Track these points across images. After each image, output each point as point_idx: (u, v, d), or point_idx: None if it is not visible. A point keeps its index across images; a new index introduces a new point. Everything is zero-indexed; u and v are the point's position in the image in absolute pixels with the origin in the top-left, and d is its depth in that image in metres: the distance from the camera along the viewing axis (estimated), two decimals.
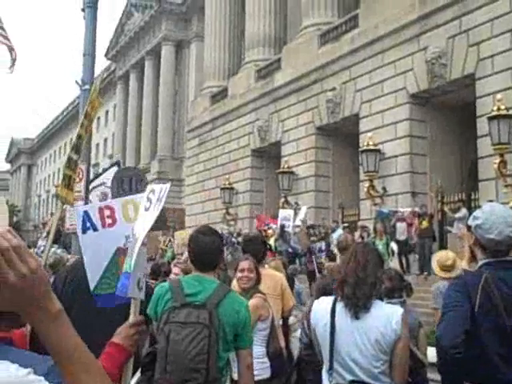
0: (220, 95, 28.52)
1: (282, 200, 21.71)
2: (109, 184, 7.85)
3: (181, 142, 40.23)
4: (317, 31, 21.80)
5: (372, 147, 17.67)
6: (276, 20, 26.22)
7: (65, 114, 70.51)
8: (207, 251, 3.28)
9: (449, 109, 17.26)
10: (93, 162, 48.81)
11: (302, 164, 21.64)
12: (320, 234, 17.50)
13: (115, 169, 8.95)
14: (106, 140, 56.10)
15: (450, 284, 3.01)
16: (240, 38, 29.48)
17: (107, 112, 55.98)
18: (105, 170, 11.62)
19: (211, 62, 30.24)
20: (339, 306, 2.96)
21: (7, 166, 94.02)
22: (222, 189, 25.67)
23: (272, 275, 5.16)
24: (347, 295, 2.92)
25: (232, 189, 25.46)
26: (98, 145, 55.46)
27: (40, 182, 79.64)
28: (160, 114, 42.76)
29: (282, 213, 17.42)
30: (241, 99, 25.97)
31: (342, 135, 20.96)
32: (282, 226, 17.11)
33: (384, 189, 17.64)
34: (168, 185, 2.72)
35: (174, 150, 41.71)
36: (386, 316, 2.89)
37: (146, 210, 2.65)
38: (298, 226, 16.31)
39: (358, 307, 2.89)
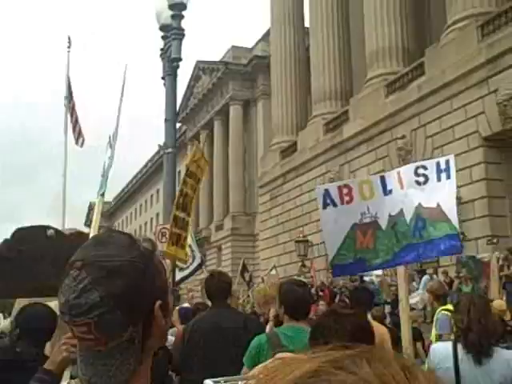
0: (289, 150, 29.08)
1: None
2: None
3: (252, 198, 40.94)
4: (383, 81, 22.11)
5: None
6: (341, 73, 26.79)
7: (139, 176, 73.30)
8: (301, 301, 3.48)
9: None
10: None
11: None
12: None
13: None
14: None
15: None
16: (306, 93, 30.19)
17: (179, 172, 57.77)
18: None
19: (279, 118, 31.01)
20: (461, 352, 3.11)
21: (86, 230, 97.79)
22: (296, 242, 25.82)
23: (376, 328, 5.13)
24: (472, 342, 3.07)
25: (306, 241, 25.55)
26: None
27: None
28: (230, 171, 43.85)
29: None
30: (310, 152, 26.40)
31: None
32: (361, 277, 17.02)
33: (463, 234, 17.29)
34: (451, 156, 3.09)
35: (246, 206, 42.45)
36: (506, 361, 3.05)
37: (422, 183, 3.07)
38: (379, 276, 16.19)
39: (483, 354, 3.05)
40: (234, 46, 45.70)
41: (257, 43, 44.77)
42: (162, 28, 7.42)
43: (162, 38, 7.43)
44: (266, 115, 38.88)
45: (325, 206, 3.17)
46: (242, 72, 43.58)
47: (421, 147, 19.62)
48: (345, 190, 3.16)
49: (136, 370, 1.07)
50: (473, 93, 17.46)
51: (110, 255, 1.04)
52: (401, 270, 3.07)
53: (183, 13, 7.09)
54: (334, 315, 2.28)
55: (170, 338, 5.87)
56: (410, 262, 3.24)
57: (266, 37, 41.81)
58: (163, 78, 7.29)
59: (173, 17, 7.01)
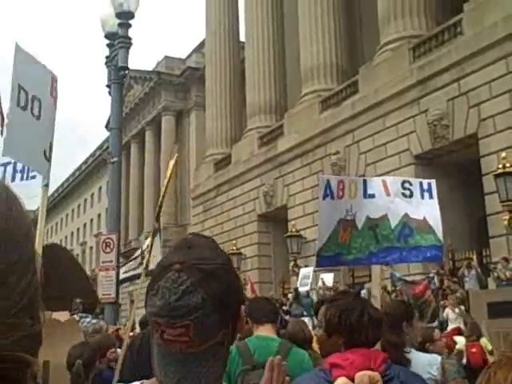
0: (223, 162, 29.02)
1: (292, 264, 21.76)
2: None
3: (184, 209, 40.56)
4: (317, 97, 22.49)
5: None
6: (276, 87, 27.06)
7: (65, 186, 70.98)
8: (262, 306, 3.60)
9: (453, 168, 17.62)
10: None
11: (310, 227, 21.79)
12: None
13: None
14: (101, 214, 56.07)
15: None
16: (241, 106, 30.29)
17: (107, 183, 56.21)
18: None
19: (213, 130, 30.91)
20: None
21: None
22: (229, 254, 25.65)
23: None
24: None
25: (240, 254, 25.52)
26: (99, 215, 55.60)
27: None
28: (161, 181, 43.27)
29: (303, 271, 17.32)
30: (245, 165, 26.44)
31: None
32: (296, 289, 17.08)
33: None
34: (433, 181, 3.32)
35: (178, 218, 41.98)
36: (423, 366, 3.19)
37: (407, 196, 3.33)
38: (330, 289, 16.19)
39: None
40: (166, 57, 45.37)
41: (190, 54, 44.63)
42: (108, 36, 7.20)
43: (108, 45, 7.21)
44: (199, 126, 38.72)
45: (324, 196, 3.32)
46: (175, 82, 43.27)
47: (354, 163, 20.04)
48: (341, 185, 3.34)
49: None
50: (404, 112, 18.04)
51: (205, 258, 1.06)
52: (377, 268, 3.23)
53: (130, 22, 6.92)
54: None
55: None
56: (391, 262, 3.61)
57: (199, 48, 41.75)
58: (108, 86, 7.07)
59: (120, 25, 6.81)
